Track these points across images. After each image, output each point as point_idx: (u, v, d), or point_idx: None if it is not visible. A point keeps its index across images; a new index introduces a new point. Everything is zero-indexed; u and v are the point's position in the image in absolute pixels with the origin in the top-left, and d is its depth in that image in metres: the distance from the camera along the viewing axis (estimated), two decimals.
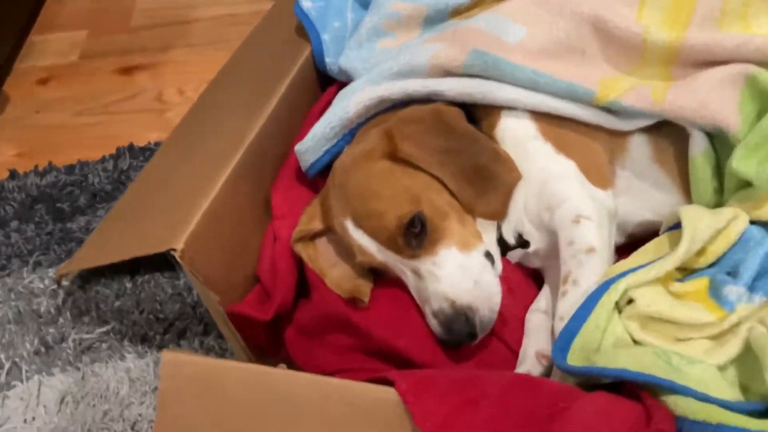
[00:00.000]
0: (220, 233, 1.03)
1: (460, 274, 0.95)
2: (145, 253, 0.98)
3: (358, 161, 1.00)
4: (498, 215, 1.02)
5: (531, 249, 1.06)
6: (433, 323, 0.95)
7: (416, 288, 0.97)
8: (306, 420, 0.81)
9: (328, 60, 1.25)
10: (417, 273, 0.96)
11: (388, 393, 0.80)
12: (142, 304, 1.33)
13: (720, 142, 1.00)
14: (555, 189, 1.01)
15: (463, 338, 0.93)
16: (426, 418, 0.77)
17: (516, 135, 1.04)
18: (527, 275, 1.11)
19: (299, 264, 1.09)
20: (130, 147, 1.64)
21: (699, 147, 0.99)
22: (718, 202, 1.02)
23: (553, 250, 1.06)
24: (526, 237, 1.06)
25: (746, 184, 0.98)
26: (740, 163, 0.95)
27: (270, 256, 1.11)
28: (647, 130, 1.05)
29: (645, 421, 0.74)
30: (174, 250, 0.94)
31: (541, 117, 1.05)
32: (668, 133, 1.05)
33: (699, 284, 0.94)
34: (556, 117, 1.04)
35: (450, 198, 0.99)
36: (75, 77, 1.91)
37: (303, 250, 1.06)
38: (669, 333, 0.87)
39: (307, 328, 1.08)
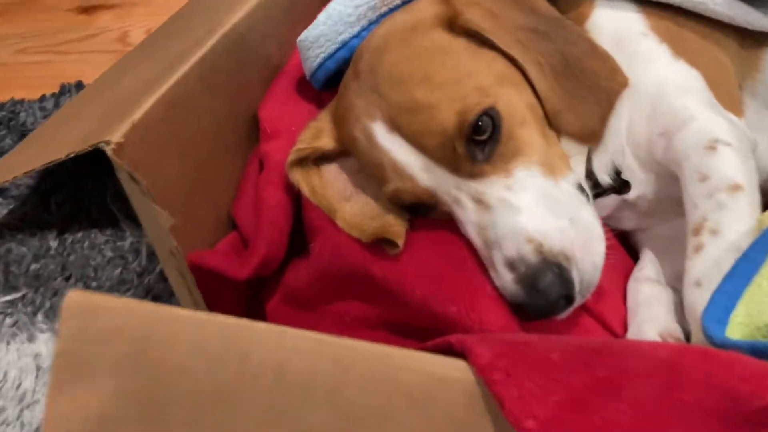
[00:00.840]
0: (177, 137, 0.69)
1: (546, 205, 0.62)
2: (66, 154, 0.64)
3: (400, 33, 0.68)
4: (593, 136, 0.70)
5: (631, 195, 0.74)
6: (506, 279, 0.61)
7: (479, 225, 0.63)
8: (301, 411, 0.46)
9: None
10: (481, 201, 0.63)
11: (452, 368, 0.46)
12: (70, 268, 0.97)
13: None
14: (676, 104, 0.70)
15: (554, 303, 0.60)
16: (525, 412, 0.43)
17: (618, 29, 0.74)
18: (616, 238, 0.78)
19: (296, 203, 0.75)
20: (78, 85, 1.30)
21: None
22: None
23: (660, 198, 0.74)
24: (625, 176, 0.74)
25: None
26: None
27: (253, 190, 0.77)
28: None
29: None
30: (107, 143, 0.59)
31: (651, 9, 0.74)
32: None
33: None
34: (672, 11, 0.74)
35: (532, 99, 0.67)
36: (27, 14, 1.59)
37: (303, 179, 0.72)
38: None
39: (303, 296, 0.74)
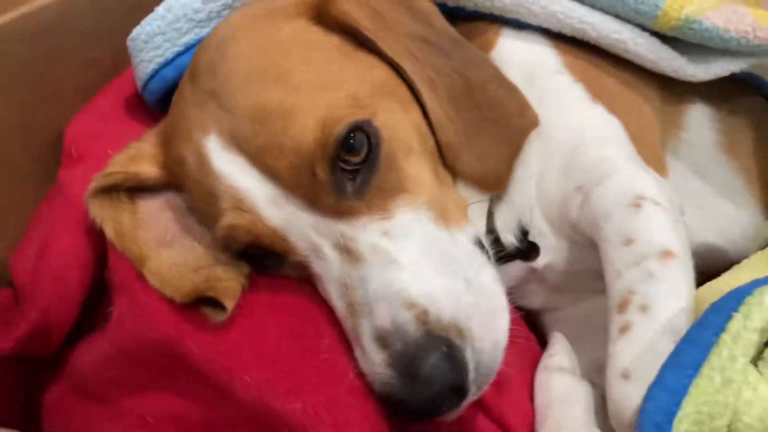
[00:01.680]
0: None
1: (438, 260, 0.46)
2: None
3: (252, 21, 0.51)
4: (497, 182, 0.56)
5: (539, 262, 0.59)
6: (375, 360, 0.43)
7: (343, 283, 0.45)
8: None
9: None
10: (349, 250, 0.45)
11: None
12: None
13: None
14: (595, 155, 0.58)
15: (440, 397, 0.42)
16: None
17: (529, 62, 0.62)
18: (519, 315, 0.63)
19: (99, 249, 0.54)
20: None
21: None
22: None
23: (573, 271, 0.60)
24: (533, 238, 0.59)
25: None
26: None
27: (43, 231, 0.56)
28: (711, 100, 0.68)
29: None
30: None
31: (566, 45, 0.63)
32: (742, 109, 0.69)
33: None
34: (589, 48, 0.63)
35: (422, 124, 0.51)
36: None
37: (108, 215, 0.52)
38: None
39: (94, 383, 0.52)
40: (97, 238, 0.54)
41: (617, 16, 0.63)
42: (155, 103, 0.63)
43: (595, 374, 0.56)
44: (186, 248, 0.50)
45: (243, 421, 0.45)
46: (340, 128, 0.44)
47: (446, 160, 0.53)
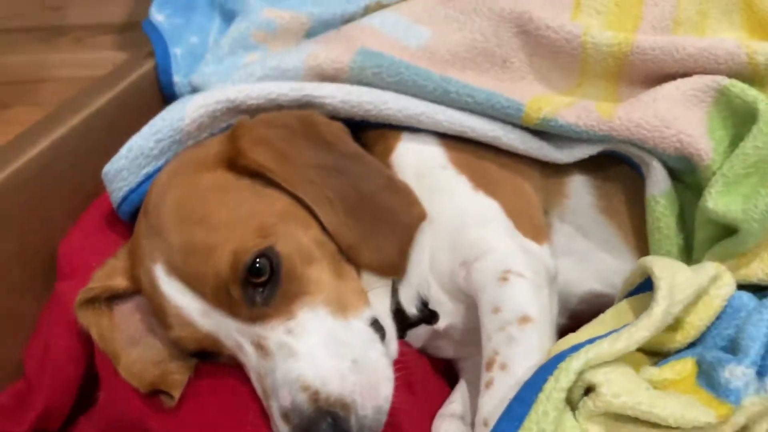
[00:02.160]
0: None
1: (329, 347, 0.60)
2: None
3: (183, 171, 0.67)
4: (392, 268, 0.70)
5: (440, 325, 0.74)
6: (281, 430, 0.58)
7: (258, 373, 0.61)
8: None
9: (177, 78, 0.94)
10: (261, 347, 0.60)
11: None
12: None
13: (684, 183, 0.75)
14: (474, 235, 0.71)
15: None
16: None
17: (420, 162, 0.75)
18: (436, 369, 0.77)
19: (89, 347, 0.70)
20: None
21: (659, 186, 0.74)
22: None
23: (471, 327, 0.74)
24: (433, 307, 0.73)
25: (725, 234, 0.72)
26: (719, 202, 0.70)
27: (45, 333, 0.72)
28: (589, 170, 0.80)
29: None
30: None
31: (452, 143, 0.77)
32: (615, 176, 0.80)
33: (683, 369, 0.64)
34: (472, 144, 0.77)
35: (321, 235, 0.66)
36: None
37: (93, 321, 0.68)
38: None
39: None
40: (86, 338, 0.71)
41: (493, 118, 0.77)
42: (129, 219, 0.79)
43: None
44: (149, 345, 0.66)
45: None
46: (246, 257, 0.60)
47: (349, 258, 0.68)
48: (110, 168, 0.76)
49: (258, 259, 0.60)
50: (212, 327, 0.62)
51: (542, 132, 0.76)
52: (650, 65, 0.74)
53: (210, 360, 0.65)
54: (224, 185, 0.65)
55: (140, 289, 0.69)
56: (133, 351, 0.66)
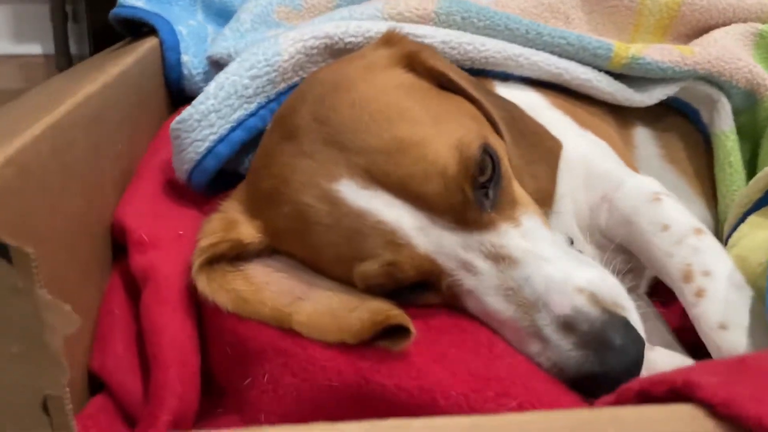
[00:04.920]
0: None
1: (570, 254, 0.51)
2: None
3: (354, 73, 0.54)
4: (548, 197, 0.63)
5: None
6: (564, 347, 0.46)
7: (505, 288, 0.48)
8: None
9: (185, 57, 0.79)
10: (501, 257, 0.49)
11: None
12: None
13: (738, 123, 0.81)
14: (604, 169, 0.68)
15: (636, 362, 0.46)
16: None
17: (525, 102, 0.71)
18: None
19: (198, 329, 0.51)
20: None
21: (728, 122, 0.79)
22: None
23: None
24: (576, 247, 0.67)
25: None
26: None
27: (127, 324, 0.51)
28: (650, 123, 0.83)
29: None
30: None
31: (545, 90, 0.75)
32: (672, 126, 0.84)
33: None
34: (560, 89, 0.75)
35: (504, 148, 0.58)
36: None
37: (217, 285, 0.50)
38: None
39: None
40: (195, 317, 0.51)
41: (580, 62, 0.76)
42: (202, 186, 0.61)
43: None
44: (324, 297, 0.49)
45: None
46: (474, 150, 0.49)
47: None
48: (192, 112, 0.59)
49: (482, 154, 0.50)
50: (430, 246, 0.48)
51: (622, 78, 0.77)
52: (697, 16, 0.81)
53: (405, 301, 0.50)
54: (410, 83, 0.54)
55: (275, 243, 0.53)
56: (306, 305, 0.49)
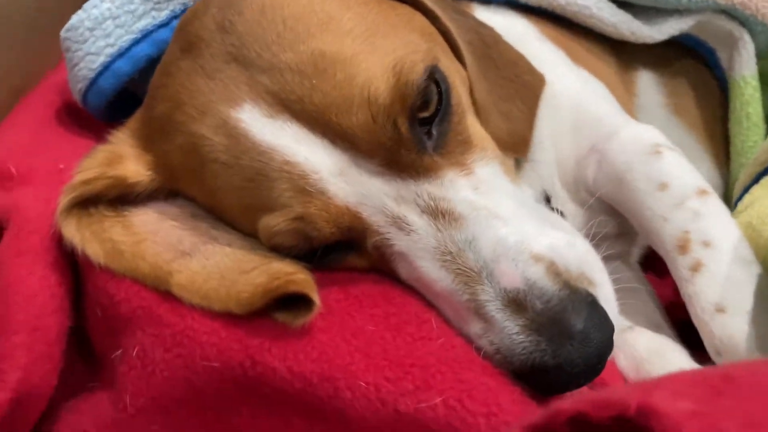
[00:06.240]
0: None
1: (532, 213, 0.41)
2: None
3: None
4: (523, 143, 0.52)
5: None
6: (510, 329, 0.36)
7: (442, 250, 0.38)
8: None
9: None
10: (441, 212, 0.38)
11: None
12: None
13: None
14: (596, 112, 0.58)
15: (602, 354, 0.36)
16: None
17: (511, 32, 0.59)
18: None
19: (71, 285, 0.41)
20: None
21: (750, 66, 0.67)
22: None
23: (592, 232, 0.58)
24: (555, 205, 0.57)
25: None
26: None
27: None
28: (656, 67, 0.72)
29: None
30: None
31: (536, 17, 0.63)
32: (683, 71, 0.73)
33: None
34: (554, 18, 0.63)
35: (465, 78, 0.46)
36: None
37: (88, 231, 0.40)
38: None
39: None
40: (66, 270, 0.41)
41: None
42: (101, 110, 0.50)
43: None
44: (218, 254, 0.39)
45: None
46: (416, 75, 0.38)
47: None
48: (83, 17, 0.48)
49: (426, 81, 0.38)
50: (352, 195, 0.38)
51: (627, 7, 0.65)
52: None
53: (323, 263, 0.40)
54: None
55: (170, 183, 0.42)
56: (192, 262, 0.39)
